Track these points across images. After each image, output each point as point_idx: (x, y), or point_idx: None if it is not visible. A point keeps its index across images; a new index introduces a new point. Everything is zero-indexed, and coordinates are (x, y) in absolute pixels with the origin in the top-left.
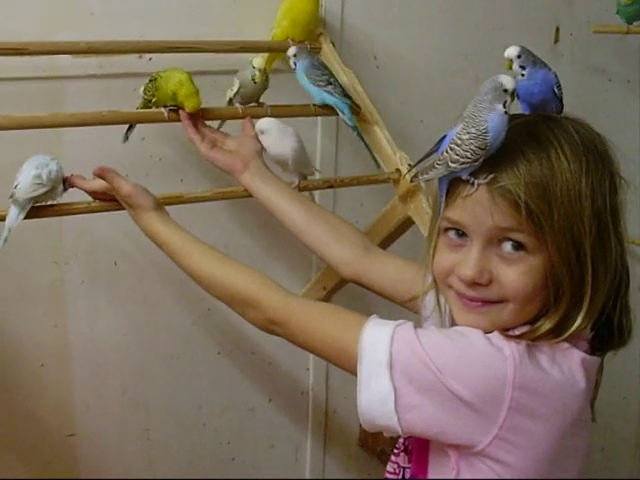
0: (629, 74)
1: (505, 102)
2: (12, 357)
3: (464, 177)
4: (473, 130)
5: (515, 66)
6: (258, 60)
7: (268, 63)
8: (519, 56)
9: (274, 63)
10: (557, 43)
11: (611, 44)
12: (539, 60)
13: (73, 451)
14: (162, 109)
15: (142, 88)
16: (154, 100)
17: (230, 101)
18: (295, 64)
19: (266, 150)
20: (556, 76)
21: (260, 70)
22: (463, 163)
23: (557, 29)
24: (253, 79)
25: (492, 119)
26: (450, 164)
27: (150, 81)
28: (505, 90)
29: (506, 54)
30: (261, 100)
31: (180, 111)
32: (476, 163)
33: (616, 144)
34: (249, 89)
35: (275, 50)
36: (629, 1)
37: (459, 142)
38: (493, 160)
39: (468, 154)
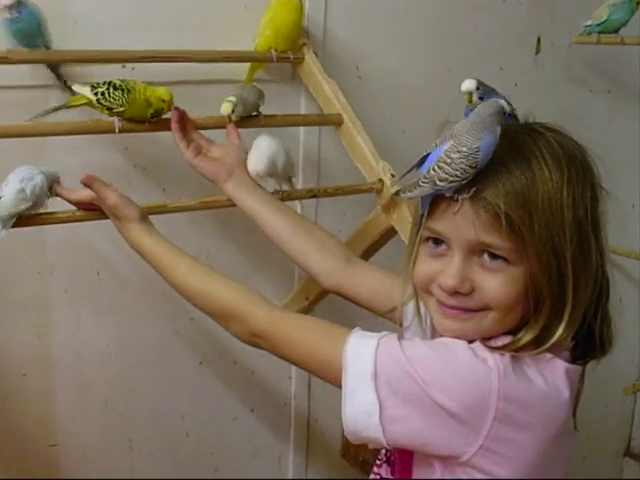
0: (610, 84)
1: (502, 125)
2: None
3: (448, 195)
4: (464, 149)
5: (475, 97)
6: (223, 106)
7: (250, 73)
8: (477, 88)
9: (257, 73)
10: (538, 54)
11: (592, 55)
12: (493, 88)
13: (55, 461)
14: (114, 119)
15: (97, 95)
16: (122, 110)
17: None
18: None
19: (251, 160)
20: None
21: (226, 114)
22: (452, 182)
23: (538, 40)
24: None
25: (486, 139)
26: (437, 182)
27: (115, 89)
28: (504, 113)
29: (464, 88)
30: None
31: (173, 113)
32: (464, 182)
33: (598, 154)
34: (249, 106)
35: (258, 60)
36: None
37: (448, 160)
38: (476, 174)
39: (458, 172)
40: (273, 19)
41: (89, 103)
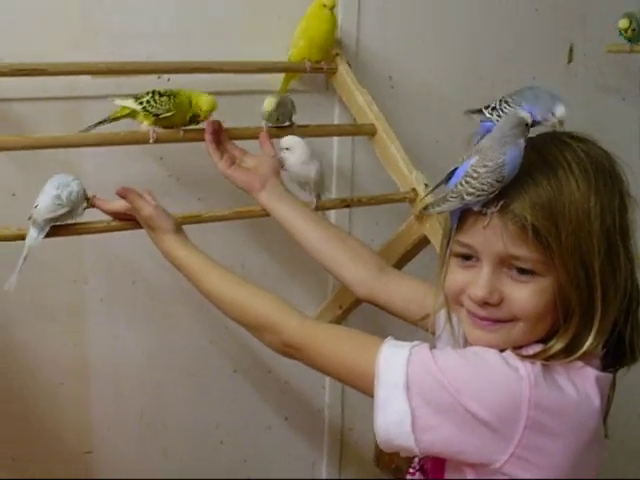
0: None
1: (525, 137)
2: (31, 375)
3: (476, 209)
4: (490, 163)
5: None
6: (267, 101)
7: (284, 84)
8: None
9: (290, 83)
10: (571, 63)
11: (624, 63)
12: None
13: (90, 468)
14: (149, 129)
15: (142, 104)
16: (169, 114)
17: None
18: None
19: (287, 168)
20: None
21: (267, 111)
22: (479, 196)
23: (571, 49)
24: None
25: (511, 152)
26: (465, 197)
27: (161, 95)
28: (526, 124)
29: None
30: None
31: (207, 124)
32: (491, 195)
33: (629, 163)
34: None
35: (292, 70)
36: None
37: (475, 175)
38: (503, 187)
39: (485, 187)
40: (307, 30)
41: (132, 114)
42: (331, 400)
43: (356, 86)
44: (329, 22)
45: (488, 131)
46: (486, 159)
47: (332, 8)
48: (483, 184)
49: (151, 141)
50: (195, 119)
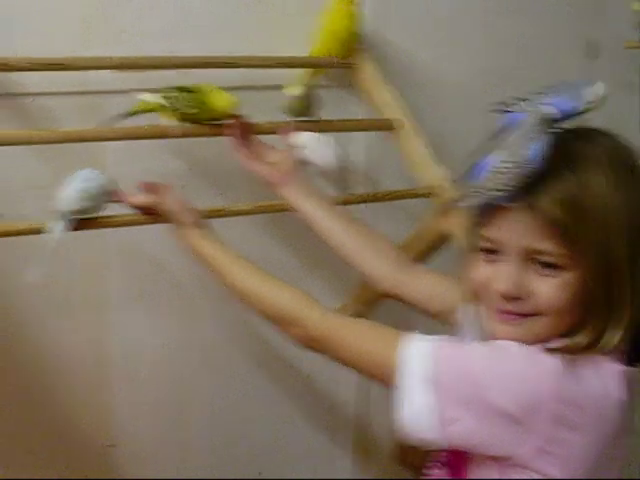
0: None
1: (549, 131)
2: (53, 367)
3: (503, 203)
4: (513, 158)
5: None
6: (292, 87)
7: (307, 79)
8: None
9: (313, 79)
10: (591, 59)
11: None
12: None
13: (113, 461)
14: (175, 123)
15: (170, 99)
16: (195, 111)
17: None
18: None
19: (309, 164)
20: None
21: (293, 97)
22: (503, 190)
23: (591, 45)
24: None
25: (534, 148)
26: (489, 191)
27: (187, 92)
28: (552, 119)
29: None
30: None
31: (234, 120)
32: (516, 190)
33: None
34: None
35: (317, 65)
36: None
37: (503, 170)
38: (528, 181)
39: (509, 182)
40: (328, 25)
41: (156, 108)
42: (353, 395)
43: (379, 81)
44: (351, 18)
45: (513, 123)
46: (513, 155)
47: (353, 3)
48: (508, 179)
49: (179, 135)
50: (219, 115)
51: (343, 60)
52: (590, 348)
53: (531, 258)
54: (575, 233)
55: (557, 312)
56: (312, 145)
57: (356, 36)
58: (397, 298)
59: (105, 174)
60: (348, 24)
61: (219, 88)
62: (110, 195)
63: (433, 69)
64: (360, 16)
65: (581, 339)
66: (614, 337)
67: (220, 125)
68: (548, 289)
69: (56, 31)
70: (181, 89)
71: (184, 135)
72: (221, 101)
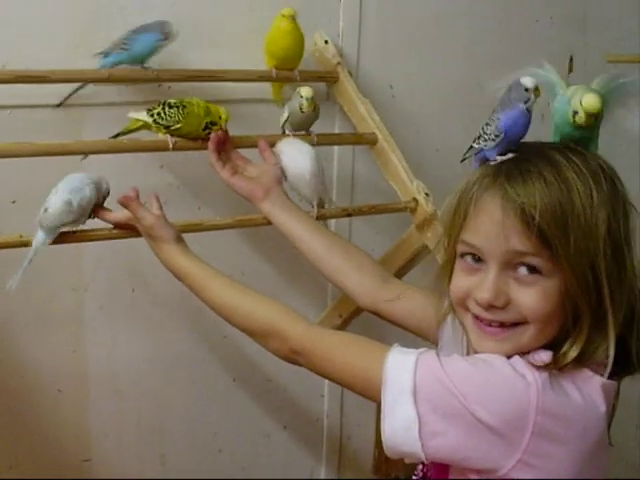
0: None
1: (527, 100)
2: (30, 382)
3: (492, 160)
4: (492, 124)
5: None
6: (306, 89)
7: (275, 93)
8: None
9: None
10: (571, 73)
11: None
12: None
13: (89, 476)
14: (167, 137)
15: (153, 116)
16: (178, 126)
17: (283, 128)
18: None
19: (285, 171)
20: None
21: (308, 99)
22: (488, 140)
23: (571, 59)
24: (301, 108)
25: (507, 116)
26: (479, 145)
27: (170, 107)
28: (526, 89)
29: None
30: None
31: (213, 134)
32: (498, 143)
33: (629, 175)
34: (298, 117)
35: (284, 81)
36: None
37: (485, 130)
38: (510, 166)
39: (492, 136)
40: (270, 41)
41: (146, 125)
42: (330, 409)
43: (357, 95)
44: (290, 33)
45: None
46: (490, 120)
47: (292, 17)
48: (490, 133)
49: (170, 147)
50: (209, 128)
51: (322, 75)
52: (576, 362)
53: (512, 265)
54: (556, 239)
55: (541, 320)
56: (286, 152)
57: (301, 49)
58: (377, 313)
59: (97, 178)
60: (287, 39)
61: (206, 101)
62: (92, 209)
63: (411, 83)
64: (300, 31)
65: (569, 354)
66: (599, 349)
67: (205, 139)
68: (530, 297)
69: (45, 44)
70: (166, 104)
71: (177, 148)
72: (218, 111)
